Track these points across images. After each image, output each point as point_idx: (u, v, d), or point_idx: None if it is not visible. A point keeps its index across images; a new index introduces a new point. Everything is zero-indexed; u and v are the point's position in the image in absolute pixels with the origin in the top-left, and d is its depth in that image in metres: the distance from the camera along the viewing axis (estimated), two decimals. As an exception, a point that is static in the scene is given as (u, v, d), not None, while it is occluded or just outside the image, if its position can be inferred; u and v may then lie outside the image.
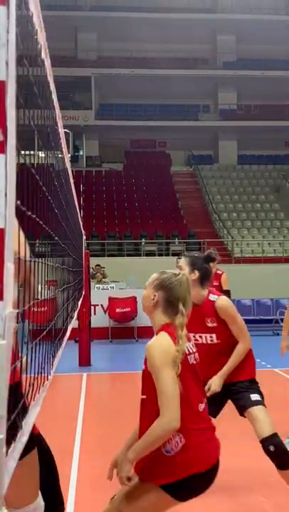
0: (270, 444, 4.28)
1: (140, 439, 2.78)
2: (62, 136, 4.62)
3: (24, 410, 1.92)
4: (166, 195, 29.84)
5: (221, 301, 4.56)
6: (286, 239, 25.37)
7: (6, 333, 1.32)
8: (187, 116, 33.66)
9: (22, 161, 1.91)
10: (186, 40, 33.16)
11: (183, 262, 4.48)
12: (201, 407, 2.91)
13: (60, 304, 4.46)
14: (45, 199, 3.01)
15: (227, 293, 7.41)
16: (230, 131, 33.92)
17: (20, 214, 1.69)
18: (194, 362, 2.97)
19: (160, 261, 19.37)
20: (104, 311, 15.80)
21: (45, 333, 2.94)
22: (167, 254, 22.63)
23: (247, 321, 18.59)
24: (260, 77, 32.66)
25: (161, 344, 2.86)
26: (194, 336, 4.22)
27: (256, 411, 4.43)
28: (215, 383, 4.38)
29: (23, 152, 1.82)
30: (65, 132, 5.21)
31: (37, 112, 2.62)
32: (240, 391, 4.51)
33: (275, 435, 4.36)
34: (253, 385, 4.56)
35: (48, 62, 3.15)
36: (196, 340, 4.31)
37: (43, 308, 3.10)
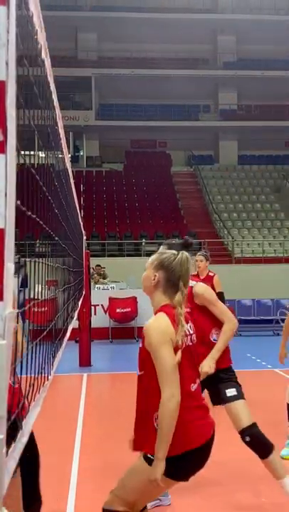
0: (246, 435, 4.38)
1: (158, 435, 2.80)
2: (62, 136, 4.62)
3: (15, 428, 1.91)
4: (167, 196, 29.84)
5: (198, 286, 4.60)
6: (286, 239, 25.36)
7: (6, 333, 1.32)
8: (187, 116, 33.66)
9: (22, 161, 1.91)
10: (186, 41, 33.17)
11: (161, 249, 4.51)
12: (193, 387, 2.97)
13: (60, 304, 4.46)
14: (46, 199, 3.01)
15: (220, 295, 7.32)
16: (230, 132, 33.92)
17: (20, 214, 1.69)
18: (190, 343, 3.02)
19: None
20: (105, 311, 15.79)
21: (45, 333, 2.94)
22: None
23: (247, 321, 18.56)
24: (261, 78, 32.67)
25: (159, 325, 2.91)
26: None
27: (231, 407, 4.52)
28: (206, 365, 4.41)
29: (23, 152, 1.82)
30: (65, 132, 5.21)
31: (37, 112, 2.62)
32: (217, 384, 4.56)
33: (251, 426, 4.43)
34: (230, 375, 4.64)
35: (48, 63, 3.15)
36: None
37: (43, 309, 3.10)
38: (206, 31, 33.50)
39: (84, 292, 10.66)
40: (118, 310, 15.56)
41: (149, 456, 2.88)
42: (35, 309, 2.64)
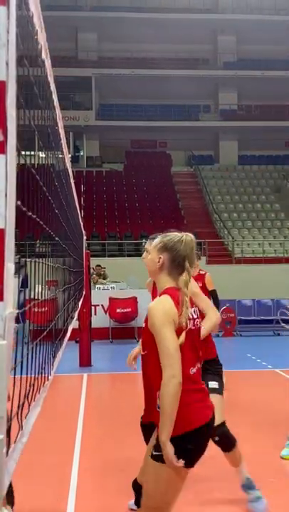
0: (216, 435, 4.44)
1: (160, 416, 2.83)
2: (62, 136, 4.62)
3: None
4: (167, 196, 29.83)
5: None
6: (287, 239, 25.36)
7: (7, 334, 1.32)
8: (188, 116, 33.65)
9: (22, 161, 1.91)
10: (186, 41, 33.17)
11: (148, 244, 4.53)
12: (192, 370, 2.99)
13: (60, 304, 4.46)
14: (46, 199, 3.01)
15: (213, 293, 7.26)
16: (230, 132, 33.93)
17: (20, 214, 1.69)
18: (193, 327, 3.04)
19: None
20: (105, 312, 15.79)
21: (45, 333, 2.94)
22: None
23: (247, 322, 18.54)
24: (261, 78, 32.67)
25: (163, 306, 2.94)
26: None
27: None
28: None
29: (23, 152, 1.82)
30: (65, 132, 5.21)
31: (37, 112, 2.62)
32: (202, 373, 4.59)
33: (221, 425, 4.48)
34: (217, 368, 4.68)
35: (48, 63, 3.15)
36: None
37: (43, 309, 3.10)
38: (206, 31, 33.50)
39: (84, 292, 10.66)
40: (118, 310, 15.56)
41: (154, 453, 2.90)
42: (36, 309, 2.64)
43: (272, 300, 17.29)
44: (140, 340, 4.71)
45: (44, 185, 2.84)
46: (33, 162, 2.23)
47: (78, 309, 8.21)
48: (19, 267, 2.07)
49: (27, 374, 2.26)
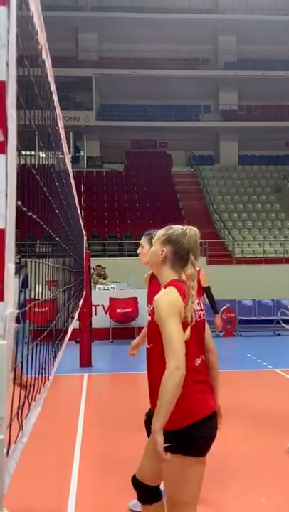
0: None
1: (158, 404, 2.80)
2: (62, 136, 4.62)
3: None
4: (167, 196, 29.83)
5: None
6: (287, 239, 25.35)
7: (7, 334, 1.32)
8: (188, 116, 33.66)
9: (23, 161, 1.91)
10: (186, 41, 33.18)
11: (143, 240, 4.51)
12: (197, 361, 2.98)
13: (61, 304, 4.46)
14: (46, 200, 3.01)
15: (207, 290, 7.19)
16: (231, 132, 33.93)
17: (21, 214, 1.69)
18: (198, 319, 3.04)
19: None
20: (105, 312, 15.79)
21: (45, 333, 2.94)
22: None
23: (248, 322, 18.52)
24: (261, 78, 32.67)
25: (169, 298, 2.93)
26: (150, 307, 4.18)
27: None
28: None
29: (23, 153, 1.82)
30: (66, 132, 5.21)
31: (38, 112, 2.62)
32: None
33: None
34: None
35: (48, 63, 3.15)
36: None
37: (43, 309, 3.10)
38: (206, 31, 33.51)
39: (84, 292, 10.66)
40: (119, 310, 15.56)
41: (165, 445, 2.86)
42: (36, 310, 2.64)
43: (273, 300, 17.29)
44: (139, 334, 4.68)
45: (44, 186, 2.84)
46: (33, 162, 2.23)
47: (79, 309, 8.22)
48: (19, 267, 2.07)
49: (27, 374, 2.26)
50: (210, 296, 7.49)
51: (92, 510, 4.72)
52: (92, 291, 12.79)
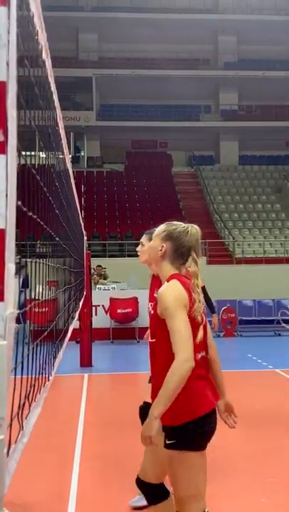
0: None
1: (160, 391, 2.78)
2: (63, 136, 4.62)
3: None
4: (168, 196, 29.83)
5: None
6: (287, 239, 25.35)
7: (7, 334, 1.32)
8: (188, 116, 33.65)
9: (23, 161, 1.91)
10: (187, 41, 33.18)
11: (143, 238, 4.52)
12: (199, 356, 2.96)
13: (61, 304, 4.46)
14: (46, 200, 3.01)
15: (203, 289, 7.18)
16: (231, 132, 33.92)
17: (21, 215, 1.69)
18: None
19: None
20: (106, 312, 15.79)
21: (46, 333, 2.94)
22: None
23: (248, 322, 18.50)
24: (261, 78, 32.67)
25: (173, 290, 2.92)
26: (151, 304, 4.16)
27: None
28: None
29: (24, 153, 1.82)
30: (66, 132, 5.21)
31: (38, 112, 2.62)
32: None
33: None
34: None
35: (48, 63, 3.15)
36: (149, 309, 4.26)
37: (44, 309, 3.10)
38: (206, 31, 33.50)
39: (85, 293, 10.66)
40: (119, 310, 15.56)
41: (167, 442, 2.89)
42: (36, 310, 2.64)
43: (273, 300, 17.29)
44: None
45: (45, 186, 2.84)
46: (33, 162, 2.23)
47: (79, 309, 8.22)
48: (20, 268, 2.07)
49: (28, 374, 2.26)
50: (206, 296, 7.50)
51: (92, 510, 4.72)
52: (93, 292, 12.80)
